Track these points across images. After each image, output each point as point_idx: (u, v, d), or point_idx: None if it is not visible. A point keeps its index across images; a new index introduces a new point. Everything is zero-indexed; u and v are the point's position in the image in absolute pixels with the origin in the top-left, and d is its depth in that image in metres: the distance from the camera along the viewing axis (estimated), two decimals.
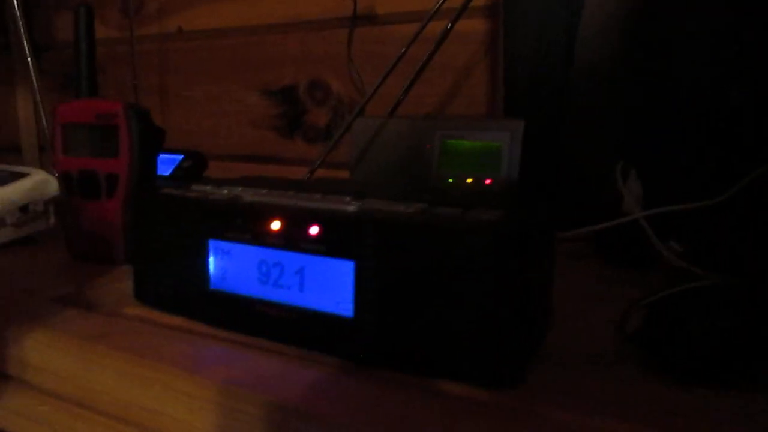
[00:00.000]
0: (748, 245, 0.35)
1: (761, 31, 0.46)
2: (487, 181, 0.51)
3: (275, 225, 0.29)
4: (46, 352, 0.30)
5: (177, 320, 0.33)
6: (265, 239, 0.29)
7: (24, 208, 0.51)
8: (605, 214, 0.47)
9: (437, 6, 0.49)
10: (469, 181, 0.51)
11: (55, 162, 0.42)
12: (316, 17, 0.79)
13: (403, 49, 0.51)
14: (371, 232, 0.26)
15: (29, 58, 0.53)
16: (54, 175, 0.54)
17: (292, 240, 0.28)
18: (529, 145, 0.49)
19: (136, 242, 0.35)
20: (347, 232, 0.27)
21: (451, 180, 0.51)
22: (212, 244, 0.31)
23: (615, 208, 0.47)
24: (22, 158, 1.08)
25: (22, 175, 0.52)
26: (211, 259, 0.31)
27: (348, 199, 0.30)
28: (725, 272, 0.33)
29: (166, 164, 0.70)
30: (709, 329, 0.25)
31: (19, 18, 0.53)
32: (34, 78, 0.53)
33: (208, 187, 0.35)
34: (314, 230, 0.28)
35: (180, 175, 0.67)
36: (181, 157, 0.71)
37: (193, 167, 0.70)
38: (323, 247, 0.28)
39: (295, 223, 0.28)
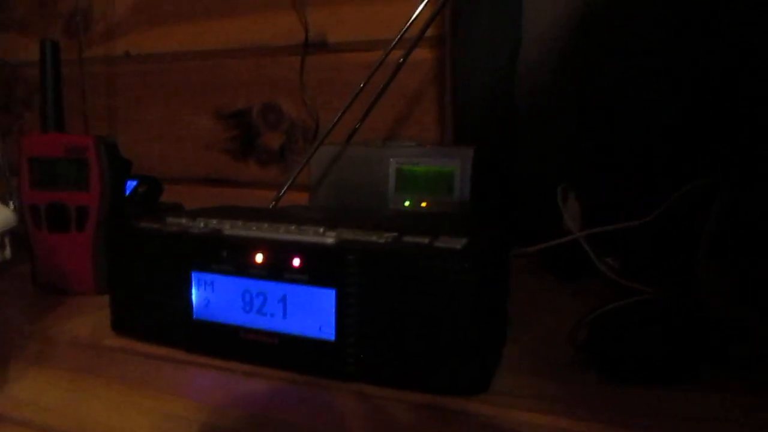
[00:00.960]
0: (675, 259, 0.40)
1: (692, 58, 0.52)
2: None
3: (259, 257, 0.31)
4: (34, 387, 0.30)
5: (159, 350, 0.34)
6: (248, 270, 0.31)
7: None
8: (549, 233, 0.51)
9: (398, 36, 0.53)
10: (424, 204, 0.54)
11: (22, 195, 0.42)
12: (269, 43, 0.81)
13: (366, 78, 0.55)
14: (352, 262, 0.29)
15: None
16: (9, 206, 0.53)
17: (275, 270, 0.31)
18: (479, 170, 0.53)
19: (113, 275, 0.36)
20: (329, 262, 0.30)
21: (407, 203, 0.55)
22: (195, 276, 0.33)
23: (557, 227, 0.52)
24: None
25: None
26: (194, 290, 0.33)
27: (322, 230, 0.33)
28: (655, 284, 0.37)
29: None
30: (644, 337, 0.29)
31: None
32: None
33: (183, 220, 0.37)
34: (296, 261, 0.30)
35: (136, 200, 0.67)
36: (135, 182, 0.71)
37: (148, 192, 0.71)
38: (305, 276, 0.30)
39: (278, 255, 0.31)
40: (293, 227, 0.34)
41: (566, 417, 0.26)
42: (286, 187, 0.53)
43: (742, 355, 0.30)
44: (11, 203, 0.52)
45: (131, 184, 0.71)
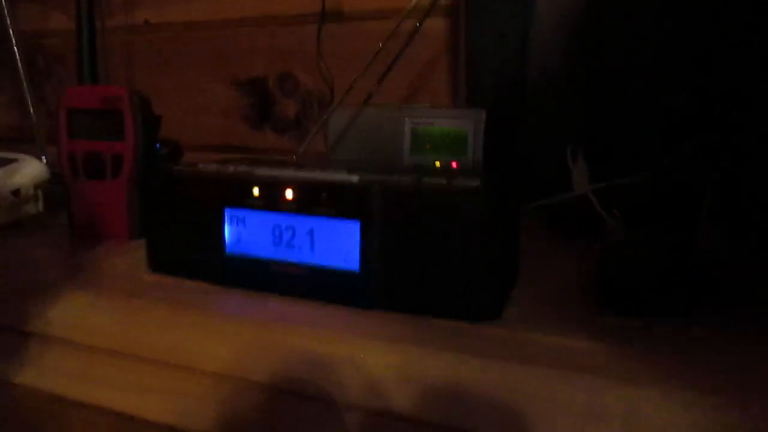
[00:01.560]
0: (674, 209, 0.42)
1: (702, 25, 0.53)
2: (454, 164, 0.57)
3: (288, 193, 0.34)
4: (82, 312, 0.33)
5: (193, 284, 0.37)
6: (278, 206, 0.34)
7: (15, 193, 0.54)
8: (559, 188, 0.54)
9: (412, 5, 0.55)
10: (437, 164, 0.57)
11: (60, 144, 0.45)
12: (285, 13, 0.82)
13: (380, 45, 0.57)
14: (375, 195, 0.31)
15: (15, 48, 0.55)
16: (43, 160, 0.56)
17: (304, 205, 0.33)
18: (491, 132, 0.55)
19: (149, 216, 0.39)
20: (353, 196, 0.32)
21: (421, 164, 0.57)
22: (228, 212, 0.35)
23: (565, 187, 0.54)
24: None
25: (11, 161, 0.54)
26: (226, 226, 0.36)
27: (345, 172, 0.35)
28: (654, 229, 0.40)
29: None
30: (646, 271, 0.32)
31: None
32: (20, 67, 0.55)
33: (214, 165, 0.39)
34: (324, 196, 0.33)
35: (159, 161, 0.70)
36: (157, 145, 0.74)
37: (170, 155, 0.73)
38: (332, 210, 0.33)
39: (307, 190, 0.33)
40: (318, 170, 0.36)
41: (570, 338, 0.29)
42: (308, 140, 0.55)
43: (731, 289, 0.33)
44: (43, 158, 0.55)
45: None
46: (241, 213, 0.35)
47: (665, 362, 0.26)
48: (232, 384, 0.28)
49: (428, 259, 0.31)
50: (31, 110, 0.54)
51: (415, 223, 0.31)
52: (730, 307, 0.33)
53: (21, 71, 0.53)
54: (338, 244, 0.33)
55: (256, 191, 0.34)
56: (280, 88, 0.85)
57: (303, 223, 0.34)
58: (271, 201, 0.34)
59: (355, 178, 0.33)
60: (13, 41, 0.53)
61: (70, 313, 0.33)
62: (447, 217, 0.30)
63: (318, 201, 0.33)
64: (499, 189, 0.33)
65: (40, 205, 0.57)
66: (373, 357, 0.27)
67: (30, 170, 0.54)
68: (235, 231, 0.36)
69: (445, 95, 0.75)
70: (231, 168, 0.38)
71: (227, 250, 0.36)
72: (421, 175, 0.35)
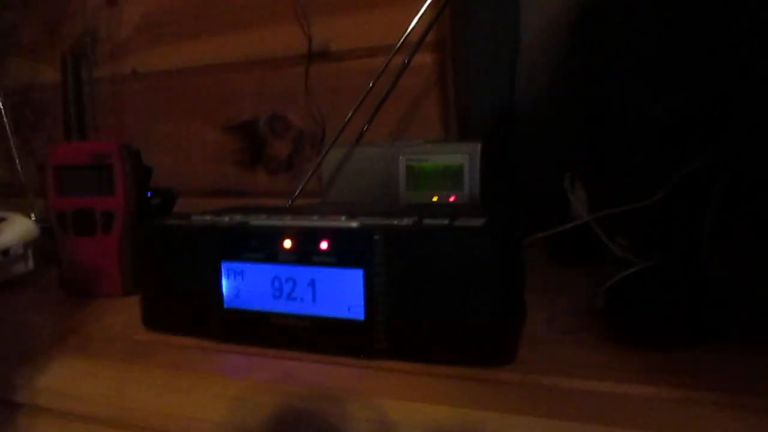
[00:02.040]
0: (679, 234, 0.41)
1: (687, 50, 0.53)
2: (451, 198, 0.56)
3: (287, 243, 0.32)
4: (71, 379, 0.32)
5: (191, 341, 0.35)
6: (277, 257, 0.33)
7: (5, 253, 0.52)
8: (556, 221, 0.53)
9: (399, 42, 0.55)
10: (435, 199, 0.56)
11: (49, 202, 0.44)
12: (273, 54, 0.83)
13: (371, 84, 0.56)
14: (377, 242, 0.30)
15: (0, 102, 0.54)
16: (31, 218, 0.55)
17: (304, 255, 0.32)
18: (486, 164, 0.55)
19: (143, 272, 0.38)
20: (355, 243, 0.31)
21: (419, 200, 0.56)
22: (225, 266, 0.34)
23: (564, 216, 0.54)
24: None
25: (1, 220, 0.53)
26: (224, 280, 0.34)
27: (344, 218, 0.34)
28: (663, 258, 0.39)
29: None
30: (657, 302, 0.31)
31: None
32: (6, 121, 0.54)
33: (207, 217, 0.38)
34: (324, 245, 0.32)
35: (152, 211, 0.69)
36: (149, 194, 0.73)
37: (163, 203, 0.72)
38: (333, 258, 0.31)
39: (306, 239, 0.32)
40: (316, 217, 0.35)
41: (592, 380, 0.27)
42: (301, 185, 0.55)
43: (742, 317, 0.31)
44: (32, 215, 0.54)
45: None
46: (238, 266, 0.34)
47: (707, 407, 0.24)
48: None
49: (435, 304, 0.30)
50: (18, 165, 0.52)
51: (419, 267, 0.30)
52: (742, 332, 0.32)
53: (7, 126, 0.52)
54: (341, 293, 0.32)
55: (253, 243, 0.33)
56: (271, 129, 0.85)
57: (304, 274, 0.32)
58: (270, 252, 0.33)
59: (354, 224, 0.32)
60: None
61: (61, 381, 0.31)
62: (452, 258, 0.29)
63: (318, 250, 0.32)
64: (503, 225, 0.32)
65: (30, 264, 0.55)
66: (387, 416, 0.26)
67: (19, 229, 0.53)
68: (233, 285, 0.34)
69: (437, 127, 0.75)
70: (226, 219, 0.37)
71: (225, 304, 0.35)
72: (421, 215, 0.34)
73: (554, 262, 0.55)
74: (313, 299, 0.32)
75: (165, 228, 0.37)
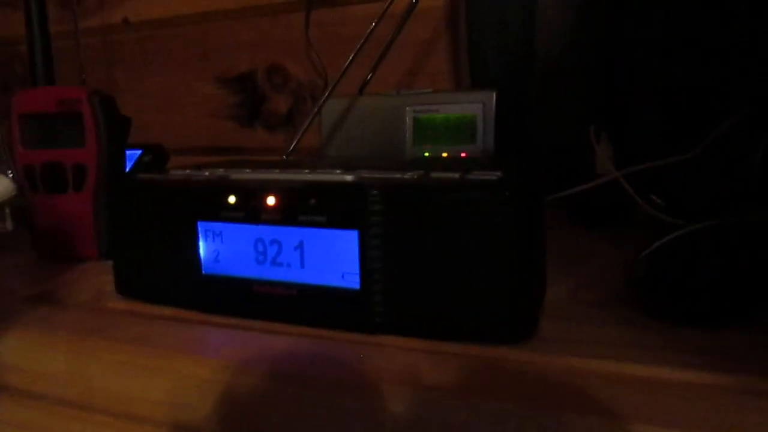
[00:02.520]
0: (724, 192, 0.36)
1: None
2: (463, 155, 0.51)
3: (270, 200, 0.28)
4: (30, 353, 0.28)
5: (167, 311, 0.31)
6: (259, 216, 0.28)
7: None
8: (579, 179, 0.48)
9: None
10: (444, 154, 0.51)
11: (15, 155, 0.39)
12: (268, 1, 0.77)
13: (372, 26, 0.51)
14: (375, 198, 0.26)
15: None
16: (8, 175, 0.50)
17: (290, 214, 0.28)
18: (501, 114, 0.50)
19: (114, 233, 0.34)
20: (349, 199, 0.26)
21: (427, 154, 0.51)
22: (202, 226, 0.30)
23: (587, 173, 0.48)
24: None
25: None
26: (201, 243, 0.30)
27: (338, 171, 0.30)
28: (703, 220, 0.34)
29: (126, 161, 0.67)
30: (708, 272, 0.26)
31: None
32: None
33: (187, 171, 0.34)
34: (313, 201, 0.27)
35: (141, 169, 0.64)
36: (139, 151, 0.68)
37: (154, 161, 0.68)
38: (323, 218, 0.27)
39: (292, 196, 0.27)
40: (307, 171, 0.30)
41: (627, 362, 0.23)
42: (298, 137, 0.50)
43: None
44: (10, 173, 0.49)
45: (135, 154, 0.68)
46: (217, 227, 0.30)
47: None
48: None
49: (442, 271, 0.25)
50: None
51: (424, 228, 0.25)
52: None
53: None
54: (333, 258, 0.27)
55: (232, 200, 0.29)
56: (269, 82, 0.80)
57: (290, 236, 0.28)
58: (251, 211, 0.28)
59: (349, 178, 0.28)
60: None
61: (15, 356, 0.28)
62: (463, 217, 0.25)
63: (306, 208, 0.27)
64: (522, 179, 0.27)
65: (9, 224, 0.51)
66: (384, 400, 0.22)
67: None
68: (211, 248, 0.30)
69: (446, 80, 0.69)
70: (206, 173, 0.32)
71: (203, 270, 0.30)
72: (428, 168, 0.29)
73: (576, 224, 0.50)
74: (302, 265, 0.28)
75: (135, 183, 0.32)
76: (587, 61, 0.55)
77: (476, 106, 0.50)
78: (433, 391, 0.22)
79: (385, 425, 0.21)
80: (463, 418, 0.20)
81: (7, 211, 0.51)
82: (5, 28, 0.96)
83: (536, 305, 0.28)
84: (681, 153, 0.40)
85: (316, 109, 0.52)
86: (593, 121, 0.49)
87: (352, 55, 0.51)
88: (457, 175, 0.27)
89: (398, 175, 0.28)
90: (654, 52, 0.51)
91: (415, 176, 0.27)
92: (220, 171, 0.32)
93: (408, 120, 0.52)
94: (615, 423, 0.19)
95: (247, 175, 0.30)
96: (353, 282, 0.27)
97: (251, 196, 0.28)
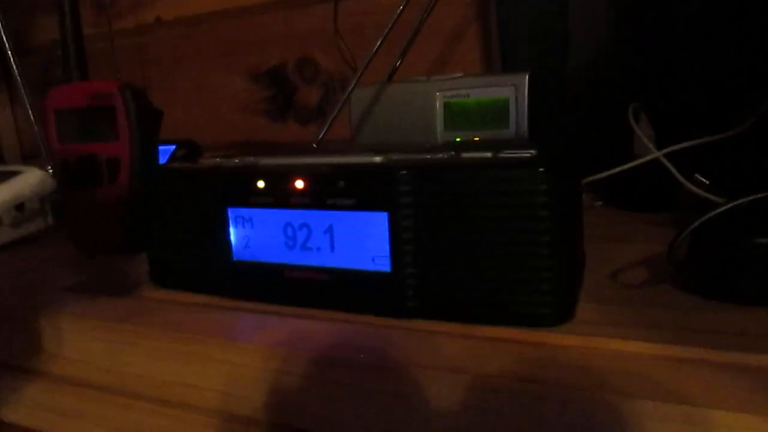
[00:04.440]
0: None
1: None
2: None
3: (299, 184, 0.27)
4: (69, 340, 0.28)
5: (201, 298, 0.31)
6: (288, 200, 0.28)
7: (19, 207, 0.50)
8: (617, 161, 0.46)
9: None
10: (476, 139, 0.50)
11: (52, 151, 0.40)
12: None
13: (400, 9, 0.50)
14: (405, 179, 0.25)
15: (12, 61, 0.51)
16: (48, 171, 0.52)
17: (318, 197, 0.27)
18: (535, 97, 0.48)
19: (147, 223, 0.34)
20: (378, 182, 0.26)
21: (458, 139, 0.50)
22: (232, 212, 0.30)
23: (625, 155, 0.46)
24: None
25: (14, 173, 0.50)
26: (231, 229, 0.30)
27: (370, 154, 0.29)
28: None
29: (159, 156, 0.68)
30: (751, 249, 0.24)
31: None
32: (20, 82, 0.51)
33: (218, 159, 0.34)
34: (341, 184, 0.27)
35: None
36: (173, 147, 0.69)
37: (188, 156, 0.68)
38: (352, 200, 0.26)
39: (321, 179, 0.27)
40: (336, 155, 0.30)
41: (664, 343, 0.22)
42: (327, 123, 0.49)
43: None
44: (50, 168, 0.51)
45: (169, 149, 0.69)
46: (246, 213, 0.29)
47: None
48: (238, 426, 0.23)
49: (476, 253, 0.24)
50: (31, 115, 0.49)
51: (456, 209, 0.24)
52: None
53: (21, 86, 0.48)
54: (363, 241, 0.27)
55: (261, 185, 0.28)
56: (300, 74, 0.80)
57: (319, 219, 0.27)
58: (280, 195, 0.28)
59: (378, 159, 0.27)
60: (9, 51, 0.48)
61: (51, 343, 0.28)
62: (497, 197, 0.24)
63: (335, 191, 0.27)
64: (558, 157, 0.26)
65: (49, 219, 0.52)
66: (416, 386, 0.21)
67: (33, 182, 0.50)
68: (241, 234, 0.30)
69: (478, 67, 0.68)
70: (236, 160, 0.32)
71: (234, 256, 0.30)
72: (459, 150, 0.28)
73: (612, 205, 0.48)
74: (332, 249, 0.28)
75: (167, 172, 0.32)
76: (624, 39, 0.53)
77: (508, 89, 0.48)
78: (469, 375, 0.21)
79: (422, 410, 0.20)
80: (503, 402, 0.20)
81: (48, 206, 0.52)
82: (45, 33, 0.99)
83: (575, 287, 0.26)
84: (725, 131, 0.38)
85: (345, 96, 0.51)
86: (631, 101, 0.47)
87: (380, 41, 0.51)
88: (489, 154, 0.26)
89: (428, 156, 0.27)
90: (694, 28, 0.49)
91: (446, 156, 0.27)
92: (250, 158, 0.32)
93: (438, 105, 0.51)
94: (666, 405, 0.18)
95: (275, 160, 0.30)
96: (384, 265, 0.26)
97: (279, 180, 0.28)
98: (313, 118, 0.80)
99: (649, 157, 0.39)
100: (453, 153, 0.27)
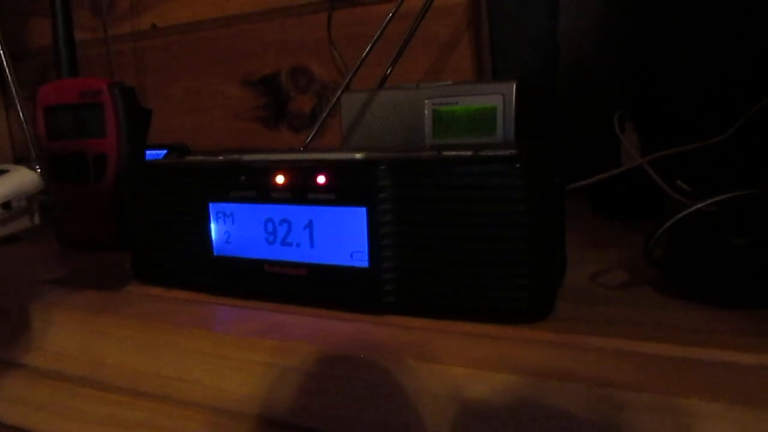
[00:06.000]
0: (755, 178, 0.34)
1: None
2: None
3: (280, 179, 0.28)
4: (42, 330, 0.28)
5: (184, 294, 0.31)
6: (269, 195, 0.28)
7: (6, 205, 0.49)
8: (604, 167, 0.46)
9: None
10: None
11: (41, 148, 0.40)
12: (293, 2, 0.77)
13: (386, 20, 0.51)
14: (383, 173, 0.25)
15: (5, 65, 0.51)
16: (36, 170, 0.52)
17: (299, 192, 0.27)
18: (522, 106, 0.49)
19: (131, 218, 0.34)
20: (357, 176, 0.26)
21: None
22: (213, 207, 0.30)
23: (611, 162, 0.47)
24: None
25: (2, 172, 0.50)
26: (212, 224, 0.30)
27: (352, 152, 0.29)
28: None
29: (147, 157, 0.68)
30: (734, 250, 0.25)
31: None
32: (12, 86, 0.51)
33: (200, 156, 0.34)
34: (321, 179, 0.27)
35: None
36: (164, 151, 0.70)
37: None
38: (332, 195, 0.27)
39: (301, 174, 0.27)
40: (317, 153, 0.30)
41: (649, 340, 0.22)
42: (316, 127, 0.50)
43: None
44: (38, 168, 0.51)
45: (160, 154, 0.69)
46: (228, 208, 0.30)
47: None
48: (216, 417, 0.23)
49: (454, 249, 0.24)
50: (22, 117, 0.49)
51: (434, 204, 0.25)
52: None
53: (13, 89, 0.49)
54: (342, 236, 0.27)
55: (242, 180, 0.29)
56: (293, 83, 0.80)
57: (299, 214, 0.28)
58: (261, 190, 0.28)
59: (358, 156, 0.27)
60: (3, 55, 0.48)
61: (29, 335, 0.28)
62: (476, 193, 0.24)
63: (315, 186, 0.27)
64: (537, 155, 0.26)
65: (36, 218, 0.52)
66: (392, 380, 0.21)
67: (21, 180, 0.50)
68: (222, 229, 0.30)
69: (469, 76, 0.69)
70: (220, 157, 0.32)
71: (215, 251, 0.30)
72: (440, 148, 0.29)
73: (600, 214, 0.49)
74: (311, 244, 0.28)
75: (148, 167, 0.33)
76: (612, 49, 0.54)
77: (496, 98, 0.49)
78: (439, 364, 0.21)
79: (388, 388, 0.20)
80: (479, 394, 0.20)
81: (35, 205, 0.52)
82: (42, 37, 1.00)
83: (553, 285, 0.27)
84: (709, 138, 0.39)
85: (333, 99, 0.52)
86: (618, 109, 0.48)
87: (369, 47, 0.51)
88: (469, 153, 0.26)
89: (410, 153, 0.27)
90: (679, 38, 0.50)
91: (426, 154, 0.27)
92: (234, 155, 0.32)
93: (427, 112, 0.52)
94: (640, 394, 0.18)
95: (258, 156, 0.30)
96: (362, 261, 0.26)
97: (261, 174, 0.28)
98: (306, 126, 0.81)
99: (632, 165, 0.39)
100: (434, 152, 0.28)
